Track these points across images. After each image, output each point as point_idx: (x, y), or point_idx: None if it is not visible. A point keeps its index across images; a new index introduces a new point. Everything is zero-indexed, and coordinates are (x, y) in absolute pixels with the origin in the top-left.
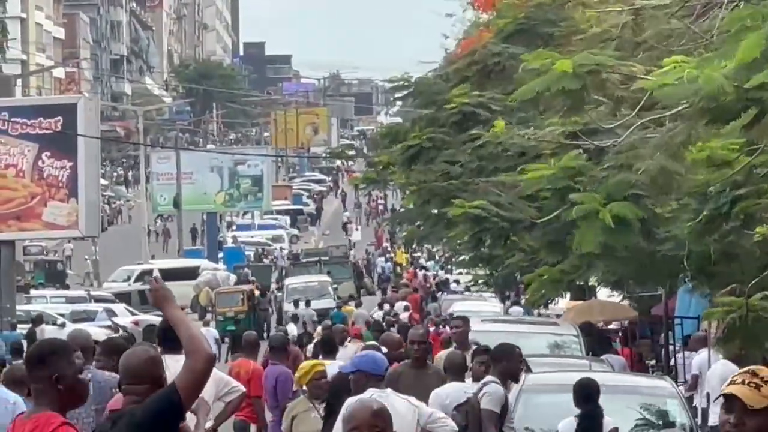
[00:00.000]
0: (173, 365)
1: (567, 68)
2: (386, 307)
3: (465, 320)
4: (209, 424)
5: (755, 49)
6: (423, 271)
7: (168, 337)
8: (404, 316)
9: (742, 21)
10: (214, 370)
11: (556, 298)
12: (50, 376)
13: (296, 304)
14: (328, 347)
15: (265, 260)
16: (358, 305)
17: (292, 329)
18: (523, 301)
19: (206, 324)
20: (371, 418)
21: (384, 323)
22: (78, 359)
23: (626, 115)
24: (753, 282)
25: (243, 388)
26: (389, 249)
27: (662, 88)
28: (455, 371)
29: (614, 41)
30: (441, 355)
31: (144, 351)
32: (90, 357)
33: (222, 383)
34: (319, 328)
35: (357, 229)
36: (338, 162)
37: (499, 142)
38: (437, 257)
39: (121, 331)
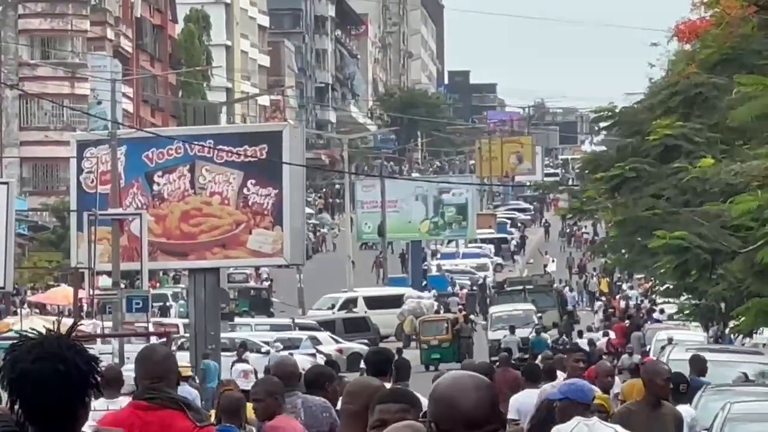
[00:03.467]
0: None
1: None
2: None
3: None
4: None
5: None
6: (626, 300)
7: (376, 363)
8: (601, 342)
9: None
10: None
11: (762, 328)
12: None
13: (512, 330)
14: (533, 376)
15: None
16: (561, 333)
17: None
18: (727, 331)
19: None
20: None
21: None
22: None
23: None
24: None
25: None
26: (593, 277)
27: None
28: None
29: None
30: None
31: (371, 380)
32: (296, 383)
33: None
34: None
35: (553, 261)
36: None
37: (707, 179)
38: (637, 286)
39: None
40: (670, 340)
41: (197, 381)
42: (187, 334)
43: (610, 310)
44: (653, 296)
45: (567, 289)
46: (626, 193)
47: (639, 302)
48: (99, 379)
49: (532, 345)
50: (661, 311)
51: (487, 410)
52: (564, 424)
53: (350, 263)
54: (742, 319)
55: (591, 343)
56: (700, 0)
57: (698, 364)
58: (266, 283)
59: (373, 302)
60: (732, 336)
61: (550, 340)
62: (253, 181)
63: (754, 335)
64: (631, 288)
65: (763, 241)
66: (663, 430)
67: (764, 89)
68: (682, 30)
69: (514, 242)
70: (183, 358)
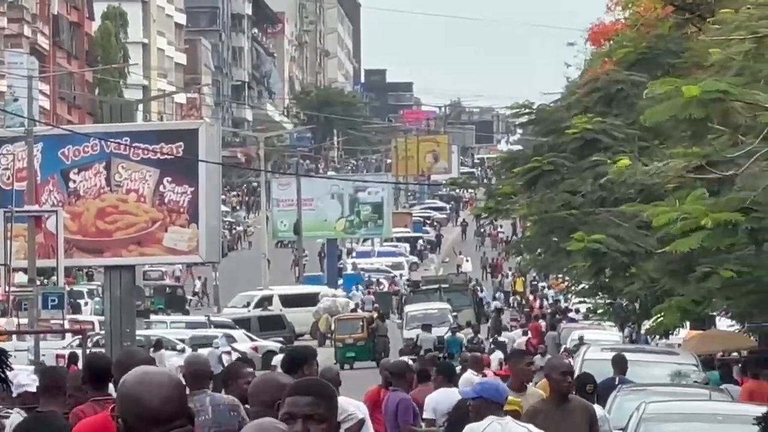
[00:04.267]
0: None
1: (694, 93)
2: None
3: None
4: None
5: None
6: (542, 300)
7: (292, 364)
8: (520, 341)
9: None
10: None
11: (677, 328)
12: None
13: (425, 328)
14: (448, 374)
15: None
16: (477, 332)
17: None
18: (643, 331)
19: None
20: None
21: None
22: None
23: (749, 145)
24: None
25: (360, 415)
26: (508, 276)
27: None
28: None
29: (734, 70)
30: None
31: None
32: (208, 382)
33: (339, 410)
34: None
35: (467, 260)
36: (459, 190)
37: (623, 181)
38: (555, 286)
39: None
40: (580, 340)
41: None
42: (103, 332)
43: (526, 310)
44: (569, 296)
45: (479, 288)
46: (542, 188)
47: (555, 302)
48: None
49: (447, 344)
50: (576, 311)
51: (175, 406)
52: (477, 422)
53: (266, 261)
54: (660, 318)
55: (501, 345)
56: (614, 2)
57: (621, 364)
58: (198, 282)
59: (288, 300)
60: (648, 336)
61: (465, 339)
62: (169, 179)
63: (670, 336)
64: (549, 288)
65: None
66: (572, 425)
67: (677, 90)
68: (596, 33)
69: (420, 242)
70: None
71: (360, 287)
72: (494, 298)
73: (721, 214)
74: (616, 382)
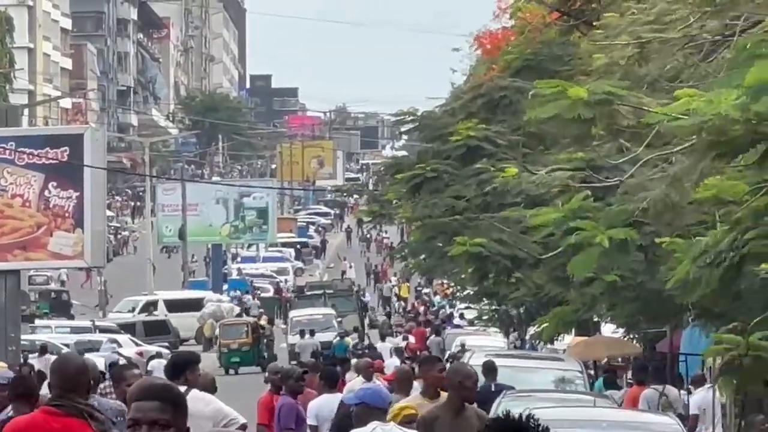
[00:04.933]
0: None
1: (581, 95)
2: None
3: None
4: None
5: (764, 74)
6: (426, 305)
7: (176, 369)
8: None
9: (751, 50)
10: (215, 401)
11: (562, 335)
12: None
13: (302, 334)
14: (331, 380)
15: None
16: (362, 338)
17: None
18: (527, 336)
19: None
20: None
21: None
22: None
23: (633, 152)
24: (756, 320)
25: (242, 420)
26: (393, 282)
27: (670, 122)
28: None
29: (618, 75)
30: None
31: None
32: (95, 387)
33: (221, 415)
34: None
35: (351, 267)
36: (344, 195)
37: (508, 190)
38: (440, 291)
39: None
40: (462, 347)
41: None
42: None
43: (410, 314)
44: (454, 301)
45: (364, 293)
46: (426, 194)
47: (439, 307)
48: None
49: (334, 349)
50: (461, 316)
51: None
52: (361, 428)
53: (151, 266)
54: (544, 326)
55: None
56: (501, 9)
57: (493, 371)
58: (99, 287)
59: (173, 305)
60: (534, 342)
61: (351, 344)
62: (55, 184)
63: (555, 342)
64: (435, 294)
65: (563, 249)
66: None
67: (561, 92)
68: (482, 41)
69: (297, 248)
70: None
71: (239, 292)
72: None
73: (616, 230)
74: (493, 389)
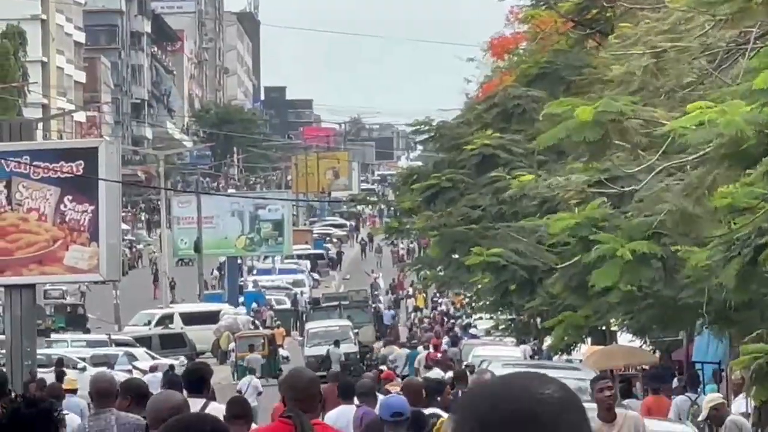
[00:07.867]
0: (194, 408)
1: (588, 117)
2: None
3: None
4: None
5: None
6: (443, 316)
7: (192, 381)
8: (421, 356)
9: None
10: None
11: (579, 344)
12: None
13: (337, 344)
14: (347, 392)
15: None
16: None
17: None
18: (544, 346)
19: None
20: None
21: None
22: None
23: (648, 160)
24: None
25: None
26: (411, 294)
27: (684, 132)
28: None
29: (635, 85)
30: None
31: (173, 395)
32: (113, 401)
33: None
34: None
35: (379, 277)
36: (359, 207)
37: (524, 195)
38: (457, 302)
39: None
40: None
41: None
42: (3, 351)
43: (428, 325)
44: (470, 312)
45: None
46: (442, 204)
47: (456, 318)
48: None
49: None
50: (474, 326)
51: None
52: None
53: (167, 279)
54: (553, 332)
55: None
56: (514, 15)
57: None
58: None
59: (189, 318)
60: (551, 352)
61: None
62: (70, 197)
63: (573, 352)
64: (453, 304)
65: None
66: None
67: (573, 110)
68: (495, 45)
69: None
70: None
71: (256, 304)
72: (393, 317)
73: (637, 243)
74: None
